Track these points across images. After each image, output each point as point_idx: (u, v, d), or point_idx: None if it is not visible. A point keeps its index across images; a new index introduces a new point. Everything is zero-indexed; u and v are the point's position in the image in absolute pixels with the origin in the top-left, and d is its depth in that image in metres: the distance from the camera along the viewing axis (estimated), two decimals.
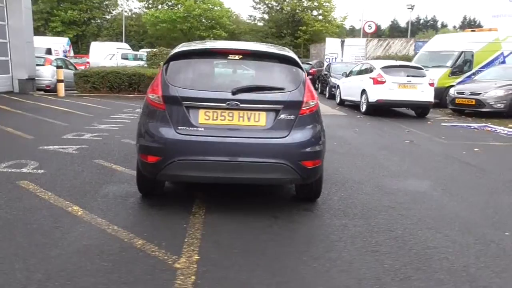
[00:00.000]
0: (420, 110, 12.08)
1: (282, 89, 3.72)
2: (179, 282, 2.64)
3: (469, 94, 12.11)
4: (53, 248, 3.02)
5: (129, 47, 27.23)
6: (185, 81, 3.72)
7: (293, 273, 2.88)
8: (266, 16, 35.28)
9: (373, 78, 11.78)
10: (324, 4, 31.79)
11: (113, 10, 41.91)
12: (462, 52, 14.98)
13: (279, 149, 3.63)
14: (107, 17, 41.95)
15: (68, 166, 5.21)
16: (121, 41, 31.34)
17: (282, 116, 3.65)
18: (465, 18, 79.56)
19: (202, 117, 3.62)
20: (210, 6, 31.24)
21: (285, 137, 3.65)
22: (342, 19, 33.26)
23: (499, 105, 11.69)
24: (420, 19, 70.35)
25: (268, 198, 4.48)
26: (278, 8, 34.18)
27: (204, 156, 3.59)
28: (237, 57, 3.84)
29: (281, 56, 3.97)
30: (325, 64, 22.79)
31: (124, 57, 23.20)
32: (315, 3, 32.33)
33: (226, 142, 3.59)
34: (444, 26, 76.88)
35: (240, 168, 3.65)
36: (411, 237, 3.50)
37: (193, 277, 2.70)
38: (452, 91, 12.69)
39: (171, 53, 3.92)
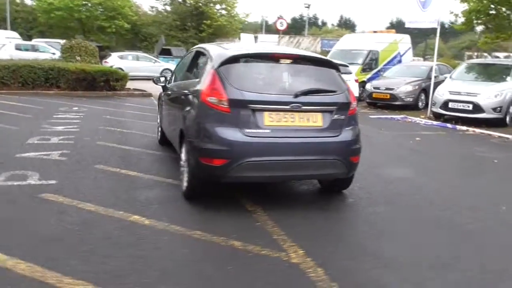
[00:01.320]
0: None
1: (335, 91, 4.06)
2: (313, 275, 2.85)
3: (384, 89, 13.74)
4: (162, 260, 2.96)
5: (19, 37, 24.17)
6: (249, 84, 3.82)
7: (391, 255, 3.25)
8: (168, 8, 34.49)
9: None
10: None
11: None
12: (370, 51, 16.80)
13: (334, 147, 3.98)
14: None
15: (74, 174, 4.80)
16: (5, 28, 27.57)
17: (335, 116, 4.00)
18: (341, 17, 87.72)
19: (267, 119, 3.78)
20: None
21: (338, 135, 4.01)
22: (246, 16, 34.33)
23: (408, 98, 13.54)
24: (303, 17, 75.44)
25: (301, 192, 4.79)
26: (180, 0, 33.68)
27: (270, 156, 3.77)
28: (288, 61, 4.06)
29: (325, 61, 4.32)
30: None
31: (18, 48, 20.58)
32: None
33: (290, 142, 3.82)
34: (324, 24, 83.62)
35: (301, 166, 3.92)
36: (441, 218, 4.12)
37: (319, 269, 2.92)
38: (368, 86, 14.23)
39: (226, 56, 3.95)
